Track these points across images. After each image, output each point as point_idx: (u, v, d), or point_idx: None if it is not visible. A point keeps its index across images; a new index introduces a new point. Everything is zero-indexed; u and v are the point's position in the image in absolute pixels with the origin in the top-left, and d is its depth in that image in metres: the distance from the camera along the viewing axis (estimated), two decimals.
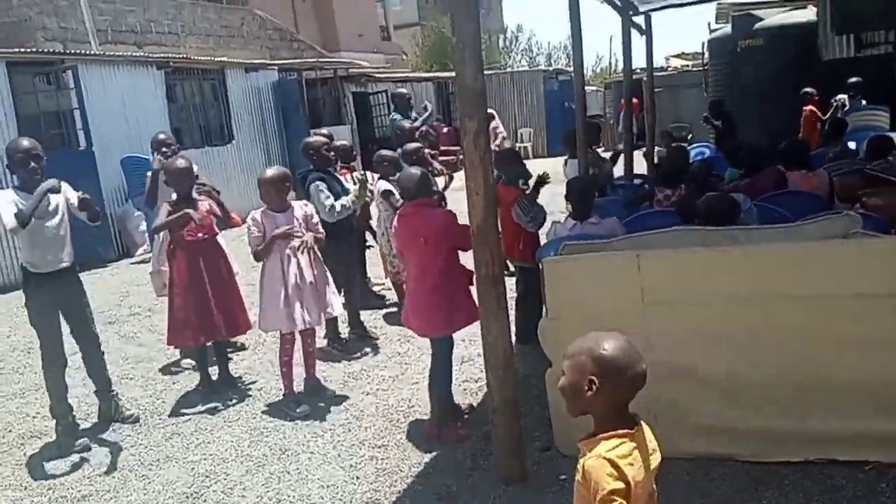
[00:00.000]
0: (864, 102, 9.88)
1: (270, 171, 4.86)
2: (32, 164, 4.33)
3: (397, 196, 6.04)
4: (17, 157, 4.33)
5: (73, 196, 4.51)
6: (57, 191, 4.40)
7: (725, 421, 3.59)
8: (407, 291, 4.51)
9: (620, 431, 1.86)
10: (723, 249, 3.67)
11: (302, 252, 4.74)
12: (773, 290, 3.47)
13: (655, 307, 3.60)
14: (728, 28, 12.85)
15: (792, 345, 3.45)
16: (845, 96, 10.02)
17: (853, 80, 9.85)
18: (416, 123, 9.74)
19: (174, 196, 5.02)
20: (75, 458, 4.43)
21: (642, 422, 1.95)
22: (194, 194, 5.04)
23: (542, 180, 5.19)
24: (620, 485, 1.77)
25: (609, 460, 1.80)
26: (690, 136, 18.25)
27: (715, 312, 3.55)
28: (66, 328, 4.65)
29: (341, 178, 6.07)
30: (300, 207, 4.89)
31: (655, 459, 1.93)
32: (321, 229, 4.97)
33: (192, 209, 4.91)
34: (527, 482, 3.64)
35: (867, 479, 3.36)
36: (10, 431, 4.93)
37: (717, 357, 3.56)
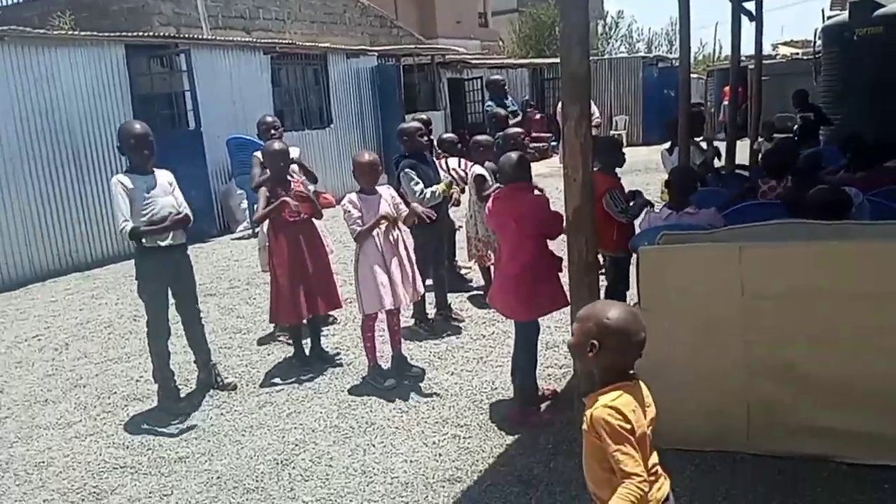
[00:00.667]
0: None
1: (367, 156, 4.96)
2: (145, 150, 4.54)
3: (490, 182, 6.05)
4: (130, 141, 4.52)
5: (179, 194, 4.72)
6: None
7: (825, 421, 3.43)
8: (496, 272, 4.52)
9: (619, 383, 2.11)
10: (832, 244, 3.49)
11: (392, 233, 4.83)
12: (882, 289, 3.27)
13: (756, 301, 3.46)
14: (845, 15, 12.11)
15: None
16: None
17: None
18: (512, 109, 9.71)
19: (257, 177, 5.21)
20: (175, 420, 4.66)
21: (640, 380, 2.18)
22: (289, 176, 5.21)
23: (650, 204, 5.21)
24: (628, 425, 2.02)
25: (613, 407, 2.04)
26: (796, 126, 17.39)
27: (819, 310, 3.38)
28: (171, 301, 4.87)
29: (437, 163, 6.13)
30: (387, 191, 4.98)
31: (651, 413, 2.17)
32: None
33: (286, 190, 5.07)
34: None
35: None
36: (115, 393, 5.24)
37: (818, 354, 3.41)
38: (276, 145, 5.25)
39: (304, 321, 5.29)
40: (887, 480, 3.29)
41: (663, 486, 2.18)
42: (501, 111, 9.02)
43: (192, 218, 4.74)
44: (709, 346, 3.58)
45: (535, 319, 4.26)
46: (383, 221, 4.78)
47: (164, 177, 4.67)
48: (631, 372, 2.15)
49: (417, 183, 5.59)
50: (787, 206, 4.48)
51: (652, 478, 2.11)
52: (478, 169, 6.12)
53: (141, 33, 11.81)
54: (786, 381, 3.46)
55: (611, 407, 2.04)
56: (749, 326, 3.49)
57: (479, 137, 6.45)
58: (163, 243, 4.60)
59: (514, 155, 4.34)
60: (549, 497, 3.46)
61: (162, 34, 12.83)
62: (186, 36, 12.45)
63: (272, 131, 6.07)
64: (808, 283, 3.40)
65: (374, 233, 4.77)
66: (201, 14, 15.91)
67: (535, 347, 4.34)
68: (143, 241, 4.56)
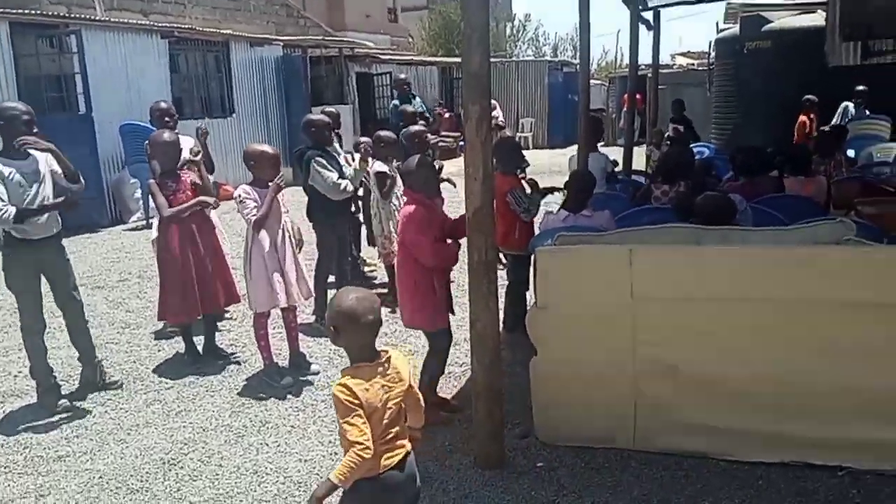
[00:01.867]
0: (867, 112, 9.85)
1: (270, 147, 4.83)
2: (26, 129, 4.24)
3: (392, 179, 6.03)
4: (21, 119, 4.22)
5: (56, 166, 4.44)
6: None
7: (704, 418, 3.60)
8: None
9: (360, 363, 2.38)
10: (715, 249, 3.67)
11: (286, 231, 4.75)
12: (761, 292, 3.46)
13: (644, 303, 3.59)
14: (736, 28, 12.79)
15: (776, 347, 3.46)
16: (850, 103, 9.99)
17: (860, 88, 9.83)
18: (418, 109, 9.72)
19: (158, 169, 4.99)
20: (54, 418, 4.42)
21: (392, 355, 2.44)
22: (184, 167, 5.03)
23: (552, 191, 5.31)
24: (356, 400, 2.29)
25: (344, 385, 2.31)
26: (667, 136, 18.27)
27: (703, 311, 3.54)
28: (48, 295, 4.60)
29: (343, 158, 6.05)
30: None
31: (401, 386, 2.44)
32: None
33: (176, 183, 4.90)
34: (504, 468, 3.65)
35: (840, 484, 3.38)
36: None
37: (701, 355, 3.57)
38: (166, 135, 5.03)
39: (197, 318, 5.11)
40: (761, 477, 3.47)
41: (398, 454, 2.45)
42: (409, 107, 9.01)
43: (75, 200, 4.45)
44: (599, 346, 3.69)
45: (442, 328, 4.22)
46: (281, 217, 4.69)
47: (42, 159, 4.38)
48: (382, 350, 2.43)
49: (332, 171, 5.52)
50: (677, 211, 4.68)
51: (385, 447, 2.40)
52: (378, 166, 6.07)
53: (28, 11, 11.09)
54: (671, 381, 3.60)
55: (342, 384, 2.32)
56: (637, 327, 3.62)
57: (381, 133, 6.39)
58: (35, 237, 4.34)
59: (414, 162, 4.23)
60: (442, 494, 3.48)
61: (51, 13, 12.09)
62: (78, 16, 11.77)
63: (166, 118, 5.78)
64: (692, 285, 3.55)
65: (268, 228, 4.65)
66: None
67: (447, 354, 4.33)
68: (13, 232, 4.29)
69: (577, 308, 3.69)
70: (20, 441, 4.18)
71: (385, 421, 2.38)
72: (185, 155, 5.25)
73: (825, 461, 3.47)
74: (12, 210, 4.15)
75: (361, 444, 2.26)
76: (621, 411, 3.70)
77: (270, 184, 4.65)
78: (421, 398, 2.63)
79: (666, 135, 10.35)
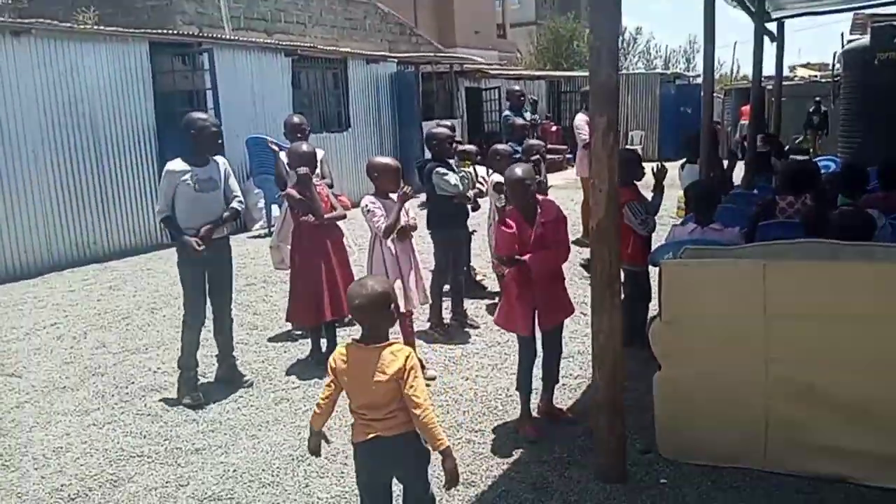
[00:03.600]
0: None
1: (392, 160, 5.02)
2: (213, 139, 4.72)
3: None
4: (210, 131, 4.70)
5: (226, 164, 4.89)
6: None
7: (843, 442, 3.44)
8: None
9: (356, 340, 2.73)
10: (856, 265, 3.51)
11: (407, 240, 4.93)
12: None
13: (778, 319, 3.47)
14: (865, 39, 12.14)
15: None
16: None
17: None
18: (528, 120, 9.76)
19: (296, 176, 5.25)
20: (192, 412, 4.71)
21: (390, 349, 2.67)
22: (315, 179, 5.29)
23: (660, 174, 5.30)
24: (331, 366, 2.79)
25: (335, 352, 2.79)
26: (811, 149, 17.46)
27: (840, 329, 3.39)
28: None
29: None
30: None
31: (381, 377, 2.64)
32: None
33: (309, 190, 5.15)
34: (626, 483, 3.60)
35: None
36: (133, 383, 5.28)
37: (839, 375, 3.42)
38: (304, 147, 5.31)
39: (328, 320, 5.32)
40: None
41: (368, 433, 2.70)
42: (519, 120, 9.06)
43: (240, 211, 5.00)
44: (729, 362, 3.59)
45: (521, 335, 4.22)
46: (405, 228, 4.87)
47: (218, 166, 4.82)
48: (387, 342, 2.68)
49: (454, 176, 5.74)
50: (806, 225, 4.49)
51: (360, 421, 2.73)
52: (496, 177, 6.17)
53: (165, 31, 11.92)
54: (805, 401, 3.47)
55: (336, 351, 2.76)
56: (770, 344, 3.50)
57: (498, 147, 6.54)
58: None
59: (517, 173, 4.19)
60: None
61: (186, 32, 12.95)
62: (210, 35, 12.54)
63: (298, 133, 6.11)
64: (830, 303, 3.41)
65: (391, 238, 4.82)
66: (224, 14, 16.05)
67: (529, 363, 4.27)
68: (189, 231, 4.70)
69: (706, 323, 3.61)
70: (161, 433, 4.47)
71: (358, 399, 2.70)
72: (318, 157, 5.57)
73: None
74: (162, 215, 4.66)
75: (318, 403, 2.83)
76: (751, 430, 3.58)
77: (397, 193, 4.82)
78: (417, 407, 2.63)
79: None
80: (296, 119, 6.35)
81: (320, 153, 5.88)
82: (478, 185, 6.54)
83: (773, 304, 3.46)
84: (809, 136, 18.25)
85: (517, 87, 12.24)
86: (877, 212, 4.48)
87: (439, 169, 5.73)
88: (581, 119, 8.74)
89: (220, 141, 4.76)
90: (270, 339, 6.09)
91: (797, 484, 3.49)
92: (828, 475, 3.48)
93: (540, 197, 4.28)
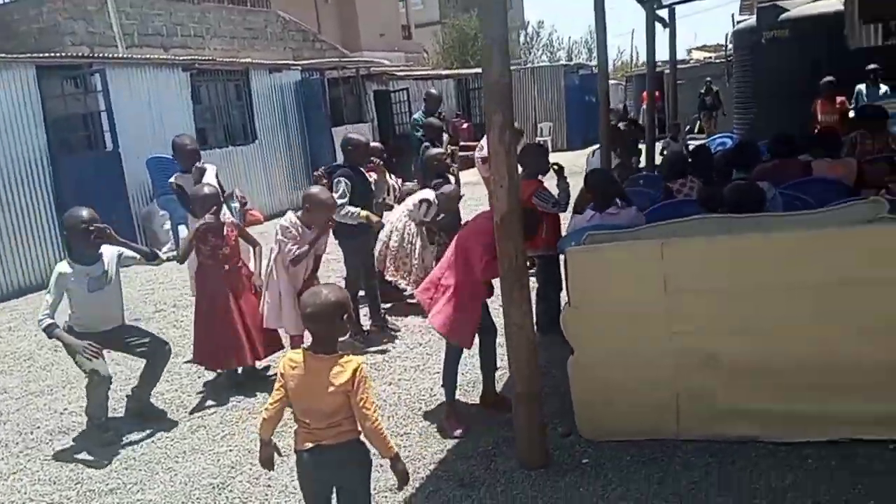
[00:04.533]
0: (884, 90, 9.72)
1: (330, 199, 4.96)
2: (86, 235, 4.41)
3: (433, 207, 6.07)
4: (81, 227, 4.39)
5: (116, 251, 4.61)
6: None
7: (750, 404, 3.59)
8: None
9: (306, 347, 2.74)
10: (747, 237, 3.64)
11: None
12: (797, 277, 3.44)
13: (679, 295, 3.58)
14: (753, 19, 12.71)
15: (815, 328, 3.45)
16: (862, 86, 9.89)
17: (870, 67, 9.72)
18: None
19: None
20: (103, 452, 4.49)
21: (341, 361, 2.64)
22: (221, 217, 5.11)
23: (558, 170, 5.44)
24: (279, 371, 2.78)
25: (285, 358, 2.78)
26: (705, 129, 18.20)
27: (738, 298, 3.53)
28: None
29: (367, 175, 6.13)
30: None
31: (328, 388, 2.63)
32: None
33: (216, 236, 4.99)
34: (549, 467, 3.66)
35: (892, 458, 3.35)
36: (38, 427, 5.01)
37: (741, 343, 3.56)
38: (205, 190, 5.07)
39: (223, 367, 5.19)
40: (810, 457, 3.44)
41: (308, 442, 2.69)
42: (435, 120, 8.96)
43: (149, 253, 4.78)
44: (636, 340, 3.68)
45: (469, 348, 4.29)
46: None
47: (108, 256, 4.56)
48: (339, 352, 2.67)
49: (344, 196, 5.57)
50: (703, 202, 4.65)
51: (302, 429, 2.72)
52: (425, 193, 6.16)
53: (52, 53, 11.39)
54: (711, 369, 3.59)
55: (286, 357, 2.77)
56: (673, 319, 3.61)
57: (432, 151, 6.55)
58: (95, 331, 4.53)
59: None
60: (490, 498, 3.49)
61: (74, 54, 12.39)
62: (99, 55, 12.04)
63: (195, 160, 5.79)
64: (726, 274, 3.54)
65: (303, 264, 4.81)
66: (116, 32, 15.45)
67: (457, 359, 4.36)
68: (76, 328, 4.51)
69: (612, 305, 3.70)
70: (72, 477, 4.25)
71: (302, 406, 2.70)
72: (211, 179, 5.37)
73: (874, 436, 3.44)
74: (47, 322, 4.34)
75: (266, 407, 2.80)
76: (663, 402, 3.69)
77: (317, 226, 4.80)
78: (366, 419, 2.64)
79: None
80: (186, 141, 5.96)
81: (212, 170, 5.72)
82: (385, 198, 6.47)
83: (673, 281, 3.57)
84: (703, 117, 18.94)
85: (434, 91, 12.08)
86: (766, 184, 4.67)
87: (343, 179, 5.62)
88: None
89: (95, 238, 4.43)
90: (182, 366, 5.88)
91: (710, 448, 3.62)
92: (738, 437, 3.62)
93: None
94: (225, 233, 5.04)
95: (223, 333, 4.97)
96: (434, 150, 6.51)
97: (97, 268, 4.50)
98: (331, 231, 5.21)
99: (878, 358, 3.37)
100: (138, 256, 4.71)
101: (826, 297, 3.40)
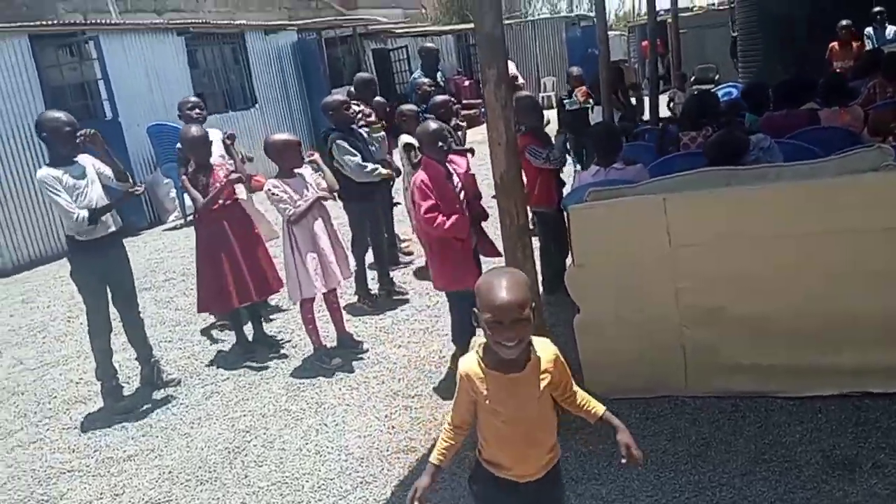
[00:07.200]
0: (892, 32, 9.54)
1: (283, 134, 4.91)
2: (70, 137, 4.37)
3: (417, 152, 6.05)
4: (64, 130, 4.34)
5: (102, 167, 4.57)
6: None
7: (757, 358, 3.59)
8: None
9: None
10: (750, 189, 3.62)
11: (321, 213, 4.83)
12: (801, 228, 3.43)
13: (683, 249, 3.58)
14: None
15: (821, 280, 3.43)
16: (870, 28, 9.70)
17: (876, 9, 9.52)
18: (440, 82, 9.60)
19: (192, 165, 5.07)
20: (120, 419, 4.57)
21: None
22: (212, 161, 5.10)
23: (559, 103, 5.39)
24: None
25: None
26: (717, 76, 17.85)
27: (742, 251, 3.52)
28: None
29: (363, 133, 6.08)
30: (306, 171, 4.88)
31: None
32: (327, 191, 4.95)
33: (207, 177, 4.97)
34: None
35: None
36: (55, 397, 5.11)
37: (747, 296, 3.55)
38: (193, 130, 5.10)
39: (239, 307, 5.17)
40: (819, 410, 3.46)
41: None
42: (426, 81, 8.87)
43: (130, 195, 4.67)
44: (642, 297, 3.69)
45: (457, 290, 4.24)
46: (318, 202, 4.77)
47: (88, 163, 4.52)
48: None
49: (355, 155, 5.56)
50: (708, 155, 4.61)
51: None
52: (406, 138, 6.08)
53: (44, 22, 11.26)
54: (717, 324, 3.60)
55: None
56: (678, 274, 3.61)
57: (403, 107, 6.41)
58: (97, 235, 4.47)
59: (427, 125, 4.33)
60: None
61: (68, 21, 12.25)
62: (92, 22, 11.90)
63: (194, 113, 5.84)
64: (730, 227, 3.53)
65: (302, 219, 4.73)
66: None
67: (466, 315, 4.37)
68: (77, 236, 4.44)
69: (616, 262, 3.70)
70: (90, 444, 4.35)
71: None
72: (217, 147, 5.35)
73: (884, 389, 3.44)
74: (84, 213, 4.32)
75: None
76: (670, 359, 3.71)
77: (304, 170, 4.73)
78: None
79: (716, 76, 10.10)
80: (191, 99, 6.13)
81: (217, 134, 5.69)
82: (387, 157, 6.43)
83: (677, 236, 3.56)
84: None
85: (431, 45, 11.86)
86: (761, 134, 4.62)
87: (340, 142, 5.58)
88: None
89: (77, 139, 4.39)
90: (194, 334, 5.96)
91: (719, 404, 3.65)
92: (746, 392, 3.64)
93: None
94: (214, 171, 5.03)
95: (218, 276, 4.97)
96: (439, 97, 6.43)
97: (76, 168, 4.45)
98: (336, 195, 5.18)
99: (884, 308, 3.36)
100: (111, 176, 4.58)
101: (831, 248, 3.39)
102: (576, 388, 2.31)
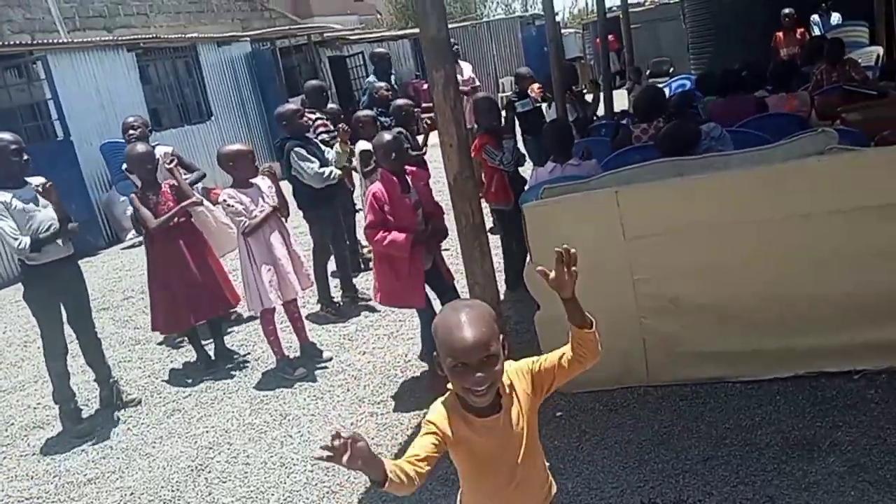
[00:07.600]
0: (837, 19, 9.76)
1: (242, 145, 4.86)
2: (15, 160, 4.26)
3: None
4: (10, 150, 4.22)
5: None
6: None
7: (716, 345, 3.64)
8: None
9: None
10: (698, 178, 3.66)
11: (277, 223, 4.77)
12: (752, 214, 3.48)
13: (637, 242, 3.61)
14: None
15: (774, 264, 3.49)
16: (816, 16, 9.92)
17: None
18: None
19: (138, 183, 5.00)
20: (79, 443, 4.47)
21: None
22: (158, 177, 5.02)
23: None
24: None
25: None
26: (672, 69, 18.13)
27: (695, 240, 3.56)
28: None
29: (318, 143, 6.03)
30: (264, 182, 4.81)
31: None
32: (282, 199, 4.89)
33: (157, 195, 4.89)
34: None
35: (857, 387, 3.42)
36: (13, 424, 4.98)
37: (703, 284, 3.59)
38: (139, 147, 5.01)
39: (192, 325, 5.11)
40: (778, 392, 3.51)
41: None
42: (383, 85, 8.84)
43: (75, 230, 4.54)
44: (600, 291, 3.66)
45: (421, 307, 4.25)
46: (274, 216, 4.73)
47: (39, 183, 4.38)
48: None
49: (313, 161, 5.51)
50: (659, 147, 4.65)
51: None
52: (363, 144, 6.05)
53: None
54: (674, 313, 3.64)
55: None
56: (635, 266, 3.64)
57: (359, 113, 6.39)
58: (48, 259, 4.36)
59: (382, 136, 4.27)
60: None
61: (14, 42, 11.98)
62: (39, 42, 11.66)
63: (130, 131, 5.81)
64: (681, 217, 3.57)
65: (259, 230, 4.67)
66: (55, 17, 14.92)
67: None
68: (27, 260, 4.33)
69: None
70: (49, 470, 4.24)
71: None
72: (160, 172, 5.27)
73: (839, 368, 3.51)
74: (26, 240, 4.20)
75: None
76: (631, 350, 3.73)
77: (260, 180, 4.67)
78: None
79: (670, 69, 10.23)
80: (128, 119, 6.06)
81: (162, 150, 5.61)
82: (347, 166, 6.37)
83: (631, 228, 3.59)
84: None
85: (382, 50, 11.86)
86: (712, 124, 4.69)
87: (298, 149, 5.52)
88: None
89: (24, 159, 4.30)
90: (154, 353, 5.84)
91: (680, 392, 3.69)
92: (707, 378, 3.67)
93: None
94: (163, 189, 4.95)
95: (173, 295, 4.91)
96: (400, 101, 6.42)
97: (27, 191, 4.33)
98: (294, 201, 5.11)
99: (836, 290, 3.42)
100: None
101: (781, 233, 3.44)
102: (548, 357, 2.06)
